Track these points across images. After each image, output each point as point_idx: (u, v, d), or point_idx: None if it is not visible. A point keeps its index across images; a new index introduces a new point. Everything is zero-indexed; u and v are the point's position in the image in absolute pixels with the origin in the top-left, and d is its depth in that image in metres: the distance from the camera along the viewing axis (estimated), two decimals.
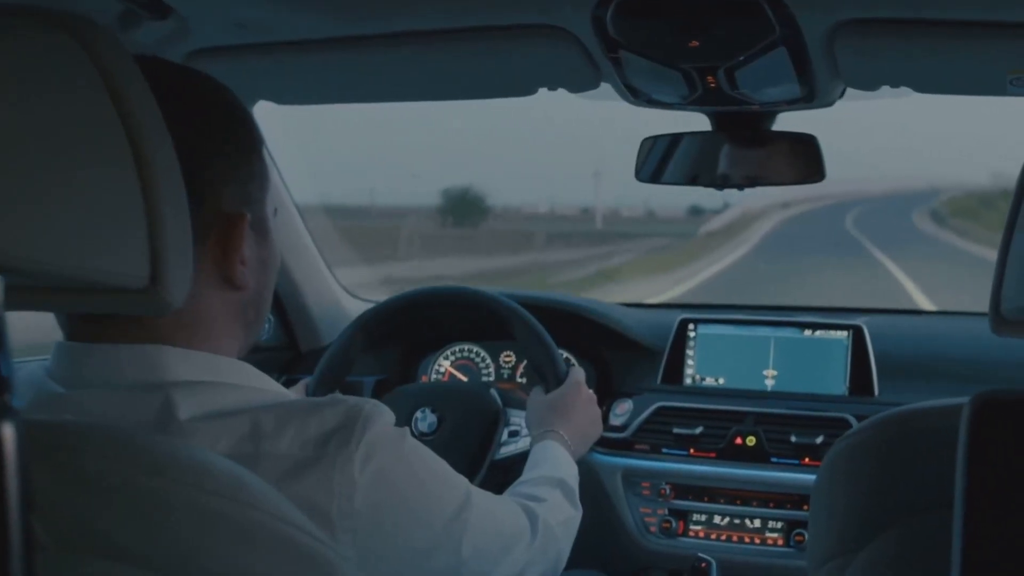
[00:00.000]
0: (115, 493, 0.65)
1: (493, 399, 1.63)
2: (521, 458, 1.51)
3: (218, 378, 0.85)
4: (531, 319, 1.61)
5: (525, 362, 2.12)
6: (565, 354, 1.92)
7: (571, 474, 1.30)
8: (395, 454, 0.85)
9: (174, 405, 0.79)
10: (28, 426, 0.58)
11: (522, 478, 1.27)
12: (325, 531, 0.77)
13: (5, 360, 0.61)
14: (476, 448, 1.58)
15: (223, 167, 0.86)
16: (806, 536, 1.79)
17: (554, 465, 1.30)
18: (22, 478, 0.58)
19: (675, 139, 1.58)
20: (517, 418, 1.61)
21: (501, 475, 1.54)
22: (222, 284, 0.87)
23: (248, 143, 0.91)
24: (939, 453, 0.71)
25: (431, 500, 0.89)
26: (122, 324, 0.83)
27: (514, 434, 1.61)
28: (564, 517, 1.21)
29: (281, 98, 1.46)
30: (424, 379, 2.15)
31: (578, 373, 1.53)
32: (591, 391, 1.52)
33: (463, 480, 0.97)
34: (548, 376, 1.54)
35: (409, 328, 2.03)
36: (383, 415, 0.85)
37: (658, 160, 1.60)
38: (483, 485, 1.06)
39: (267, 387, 0.89)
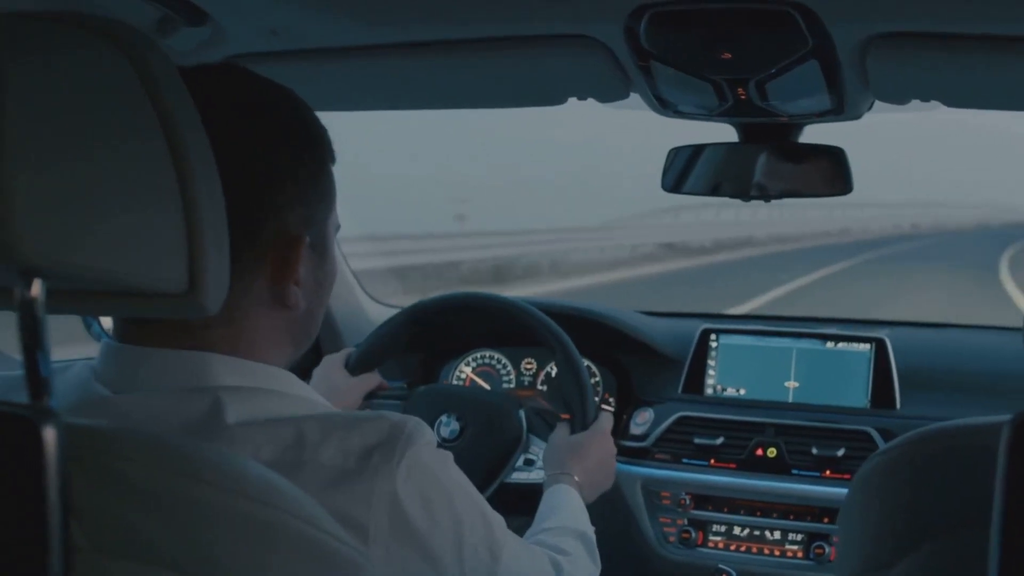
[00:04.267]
0: (151, 497, 0.66)
1: (518, 421, 1.62)
2: (530, 489, 1.52)
3: (265, 385, 0.85)
4: (577, 356, 1.60)
5: (546, 369, 2.12)
6: (587, 362, 1.92)
7: (590, 527, 1.29)
8: (435, 476, 0.85)
9: (222, 408, 0.79)
10: (67, 429, 0.59)
11: (544, 524, 1.25)
12: (358, 542, 0.77)
13: (45, 362, 0.62)
14: (491, 466, 1.57)
15: (292, 190, 0.86)
16: (826, 548, 1.79)
17: (574, 515, 1.30)
18: (62, 480, 0.59)
19: (700, 149, 1.58)
20: (537, 447, 1.60)
21: (507, 499, 1.53)
22: (274, 303, 0.87)
23: (319, 163, 0.90)
24: (976, 471, 0.70)
25: (464, 530, 0.88)
26: (171, 330, 0.83)
27: (530, 463, 1.61)
28: (586, 573, 1.20)
29: (314, 104, 1.46)
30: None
31: (606, 421, 1.52)
32: (613, 444, 1.52)
33: (499, 519, 0.96)
34: (576, 416, 1.54)
35: (442, 330, 2.04)
36: (425, 434, 0.84)
37: (681, 169, 1.60)
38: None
39: (311, 397, 0.89)
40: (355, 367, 1.68)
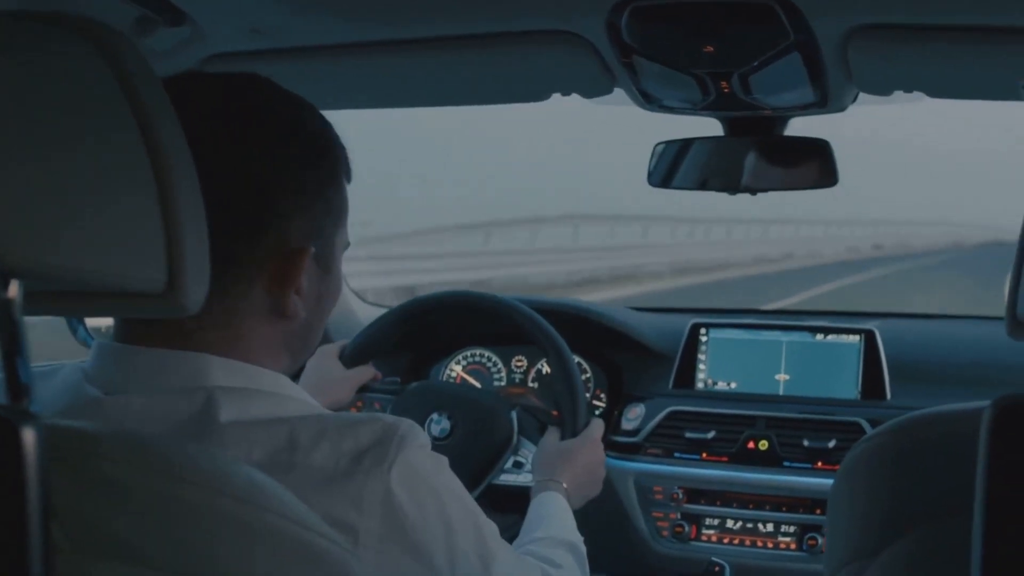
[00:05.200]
0: (133, 497, 0.66)
1: (509, 423, 1.61)
2: (518, 492, 1.51)
3: (258, 386, 0.84)
4: (571, 361, 1.59)
5: (537, 366, 2.12)
6: (577, 358, 1.92)
7: (579, 537, 1.28)
8: (428, 480, 0.84)
9: (215, 407, 0.79)
10: (48, 430, 0.59)
11: (534, 534, 1.24)
12: (349, 543, 0.77)
13: (24, 365, 0.62)
14: (479, 466, 1.56)
15: (296, 200, 0.85)
16: (819, 540, 1.79)
17: (564, 525, 1.29)
18: (42, 482, 0.59)
19: (687, 144, 1.58)
20: (526, 450, 1.60)
21: (494, 500, 1.52)
22: (272, 312, 0.86)
23: (328, 174, 0.89)
24: (959, 458, 0.71)
25: (456, 536, 0.87)
26: (168, 332, 0.82)
27: (518, 465, 1.60)
28: None
29: None
30: None
31: (597, 428, 1.52)
32: (602, 452, 1.51)
33: (492, 527, 0.95)
34: (567, 423, 1.52)
35: (433, 329, 2.04)
36: (418, 437, 0.84)
37: (668, 164, 1.60)
38: None
39: (304, 399, 0.89)
40: (350, 359, 1.68)
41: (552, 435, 1.52)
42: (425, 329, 1.97)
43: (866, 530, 0.82)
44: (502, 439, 1.60)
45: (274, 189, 0.84)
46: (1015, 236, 0.76)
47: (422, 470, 0.84)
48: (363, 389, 1.70)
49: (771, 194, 1.58)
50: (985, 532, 0.62)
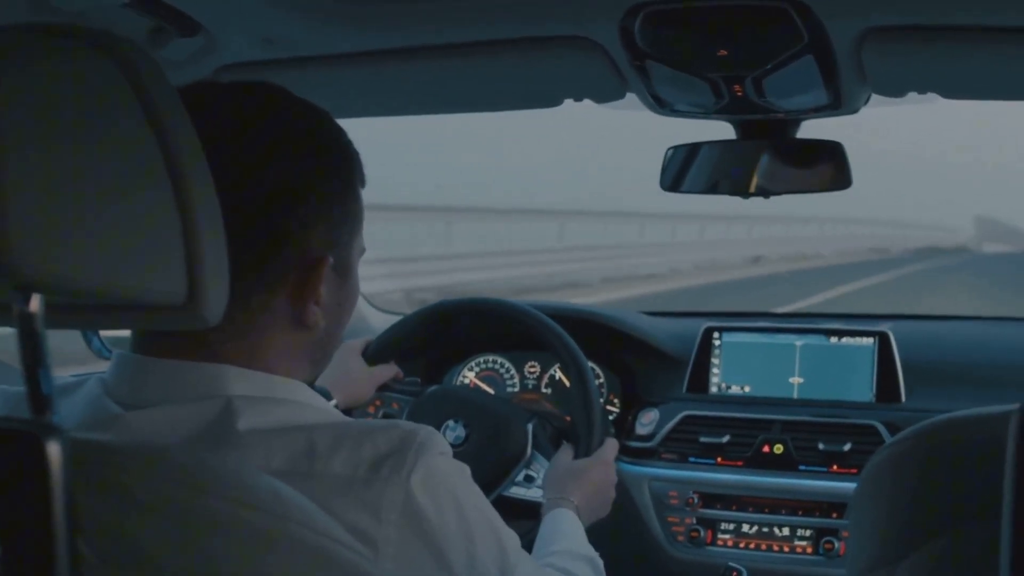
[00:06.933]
0: (155, 509, 0.66)
1: (524, 436, 1.60)
2: (526, 506, 1.51)
3: (277, 395, 0.84)
4: (593, 380, 1.59)
5: (550, 372, 2.11)
6: (591, 364, 1.92)
7: (595, 552, 1.28)
8: (448, 487, 0.83)
9: (234, 414, 0.79)
10: (71, 444, 0.59)
11: (552, 548, 1.24)
12: (369, 552, 0.77)
13: (46, 378, 0.62)
14: (490, 476, 1.55)
15: (314, 211, 0.85)
16: (835, 544, 1.78)
17: (579, 540, 1.29)
18: (67, 494, 0.59)
19: (698, 147, 1.57)
20: (539, 465, 1.59)
21: (501, 512, 1.52)
22: (293, 322, 0.86)
23: (345, 183, 0.89)
24: (984, 462, 0.70)
25: (476, 545, 0.86)
26: (186, 343, 0.82)
27: (529, 479, 1.59)
28: None
29: None
30: None
31: (611, 449, 1.52)
32: (614, 473, 1.51)
33: (513, 536, 0.94)
34: (582, 441, 1.52)
35: (448, 335, 2.03)
36: (438, 444, 0.83)
37: (679, 167, 1.60)
38: None
39: (324, 406, 0.89)
40: (373, 356, 1.68)
41: (566, 453, 1.52)
42: (443, 333, 1.97)
43: (891, 535, 0.82)
44: (516, 451, 1.59)
45: (292, 199, 0.84)
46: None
47: (443, 477, 0.83)
48: (383, 388, 1.71)
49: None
50: (1014, 536, 0.62)
